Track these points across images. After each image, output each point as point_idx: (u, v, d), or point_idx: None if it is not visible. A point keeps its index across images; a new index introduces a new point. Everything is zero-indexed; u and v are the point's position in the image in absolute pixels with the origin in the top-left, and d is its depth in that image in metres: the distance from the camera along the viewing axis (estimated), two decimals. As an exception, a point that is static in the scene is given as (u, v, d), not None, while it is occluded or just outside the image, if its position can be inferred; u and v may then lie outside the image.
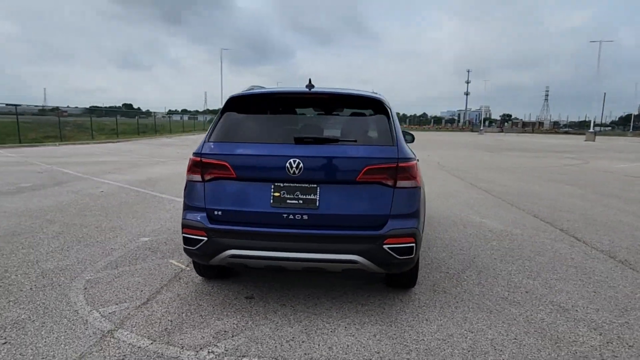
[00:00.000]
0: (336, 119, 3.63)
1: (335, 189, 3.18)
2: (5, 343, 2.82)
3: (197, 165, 3.29)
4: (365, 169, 3.14)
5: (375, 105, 3.48)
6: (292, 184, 3.18)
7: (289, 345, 2.88)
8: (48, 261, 4.33)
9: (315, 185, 3.17)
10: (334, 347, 2.87)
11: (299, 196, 3.18)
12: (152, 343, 2.86)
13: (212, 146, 3.32)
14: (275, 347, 2.85)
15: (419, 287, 3.85)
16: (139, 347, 2.80)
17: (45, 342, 2.85)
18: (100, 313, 3.26)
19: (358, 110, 3.58)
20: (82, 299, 3.49)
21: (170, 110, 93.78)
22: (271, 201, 3.18)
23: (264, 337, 2.98)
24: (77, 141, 24.47)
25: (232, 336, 2.98)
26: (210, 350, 2.78)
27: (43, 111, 43.64)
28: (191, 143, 24.89)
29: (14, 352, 2.72)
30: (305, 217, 3.14)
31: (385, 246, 3.08)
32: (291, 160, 3.14)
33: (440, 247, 4.96)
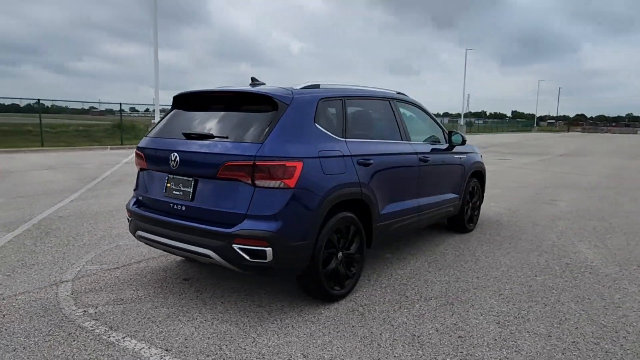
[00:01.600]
0: (229, 116, 3.52)
1: (207, 184, 3.32)
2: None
3: (136, 156, 3.90)
4: (223, 165, 3.16)
5: (265, 102, 3.37)
6: (176, 176, 3.48)
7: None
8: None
9: (191, 179, 3.38)
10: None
11: (180, 188, 3.45)
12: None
13: (143, 140, 3.87)
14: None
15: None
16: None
17: None
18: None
19: (250, 106, 3.47)
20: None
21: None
22: (164, 191, 3.55)
23: (188, 333, 3.14)
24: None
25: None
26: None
27: None
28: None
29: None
30: (183, 207, 3.40)
31: (234, 245, 3.07)
32: (172, 154, 3.43)
33: None
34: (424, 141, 4.96)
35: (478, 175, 6.04)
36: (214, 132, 3.39)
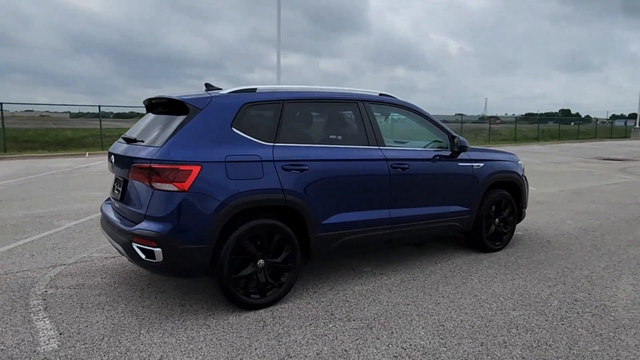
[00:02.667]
0: (156, 121, 3.69)
1: (129, 184, 3.56)
2: None
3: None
4: (132, 168, 3.39)
5: (180, 108, 3.49)
6: (115, 176, 3.92)
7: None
8: None
9: (121, 179, 3.73)
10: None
11: (116, 187, 3.86)
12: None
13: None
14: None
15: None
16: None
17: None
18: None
19: (171, 112, 3.60)
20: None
21: (614, 115, 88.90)
22: (112, 190, 4.01)
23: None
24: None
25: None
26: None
27: (482, 119, 50.86)
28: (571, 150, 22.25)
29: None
30: (117, 205, 3.79)
31: (133, 244, 3.27)
32: (111, 156, 3.82)
33: None
34: (414, 147, 4.50)
35: (508, 186, 5.20)
36: (136, 136, 3.62)
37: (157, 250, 3.16)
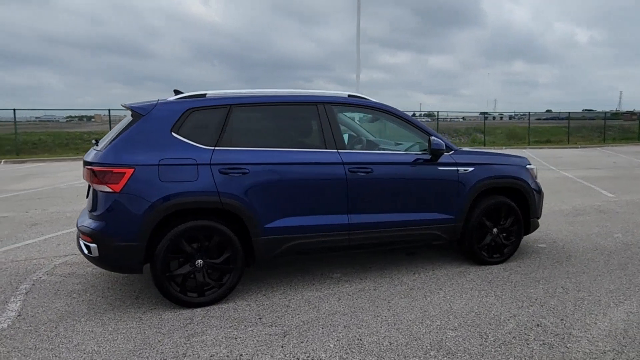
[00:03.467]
0: (120, 126, 3.87)
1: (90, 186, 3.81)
2: None
3: None
4: (85, 170, 3.68)
5: (131, 114, 3.76)
6: None
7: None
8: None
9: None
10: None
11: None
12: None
13: None
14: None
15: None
16: None
17: None
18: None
19: (128, 118, 3.83)
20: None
21: None
22: None
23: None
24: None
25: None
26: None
27: (616, 115, 46.07)
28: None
29: None
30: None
31: (79, 239, 3.64)
32: None
33: None
34: (386, 149, 4.27)
35: (511, 193, 4.67)
36: (100, 141, 3.94)
37: (93, 245, 3.44)
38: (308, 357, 2.88)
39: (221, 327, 3.30)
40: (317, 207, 3.91)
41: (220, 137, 3.72)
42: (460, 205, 4.38)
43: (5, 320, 3.45)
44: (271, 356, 2.89)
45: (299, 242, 3.88)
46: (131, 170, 3.43)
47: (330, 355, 2.89)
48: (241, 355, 2.91)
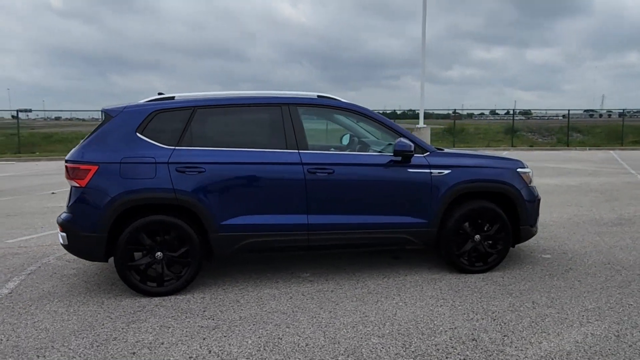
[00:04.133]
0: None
1: None
2: None
3: None
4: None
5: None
6: None
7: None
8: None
9: None
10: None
11: None
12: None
13: None
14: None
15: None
16: None
17: None
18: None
19: None
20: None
21: None
22: None
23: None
24: None
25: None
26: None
27: None
28: None
29: None
30: None
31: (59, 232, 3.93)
32: None
33: None
34: (351, 150, 4.21)
35: (497, 198, 4.36)
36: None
37: (63, 234, 3.83)
38: (221, 350, 2.98)
39: (163, 317, 3.51)
40: (275, 207, 3.98)
41: (181, 137, 3.93)
42: (434, 210, 4.20)
43: (-4, 296, 3.96)
44: (188, 347, 3.04)
45: (257, 240, 3.97)
46: (95, 167, 3.76)
47: (242, 352, 2.96)
48: (162, 343, 3.09)
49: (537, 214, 4.59)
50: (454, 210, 4.26)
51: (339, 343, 3.06)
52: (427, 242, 4.28)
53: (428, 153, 4.27)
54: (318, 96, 4.29)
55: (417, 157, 4.19)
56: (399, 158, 4.13)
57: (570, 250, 5.09)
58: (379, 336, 3.15)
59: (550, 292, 3.90)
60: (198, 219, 3.88)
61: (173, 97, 4.13)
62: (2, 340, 3.16)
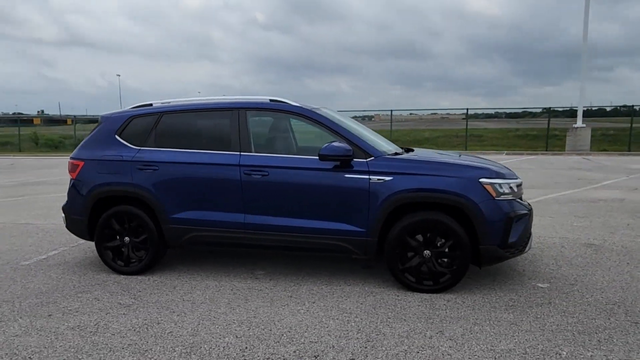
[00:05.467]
0: None
1: None
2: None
3: None
4: None
5: None
6: None
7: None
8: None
9: None
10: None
11: None
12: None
13: None
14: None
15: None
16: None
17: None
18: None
19: None
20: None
21: None
22: None
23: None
24: None
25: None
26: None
27: None
28: None
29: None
30: None
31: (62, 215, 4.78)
32: None
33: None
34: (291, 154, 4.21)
35: (452, 211, 3.83)
36: None
37: (63, 216, 4.74)
38: (105, 325, 3.40)
39: (106, 291, 4.09)
40: (215, 204, 4.26)
41: (146, 139, 4.49)
42: (373, 219, 3.93)
43: (25, 265, 5.12)
44: (89, 317, 3.55)
45: (201, 234, 4.31)
46: (82, 163, 4.58)
47: (118, 328, 3.34)
48: (77, 310, 3.67)
49: (512, 234, 3.87)
50: (397, 221, 3.92)
51: (197, 335, 3.22)
52: (367, 252, 4.02)
53: (372, 158, 4.01)
54: (270, 100, 4.40)
55: (358, 162, 3.98)
56: (332, 163, 3.99)
57: (586, 283, 4.13)
58: (237, 336, 3.20)
59: (482, 325, 3.32)
60: (153, 211, 4.39)
61: (151, 104, 4.73)
62: (17, 281, 4.15)
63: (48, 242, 5.81)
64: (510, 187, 3.95)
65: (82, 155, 4.65)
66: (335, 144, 3.93)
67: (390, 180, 3.90)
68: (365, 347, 3.03)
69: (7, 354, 3.02)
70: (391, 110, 24.89)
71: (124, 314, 3.62)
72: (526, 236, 4.07)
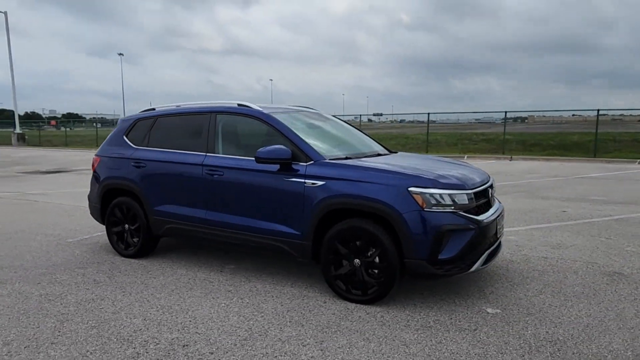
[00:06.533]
0: None
1: None
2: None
3: None
4: None
5: None
6: None
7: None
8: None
9: None
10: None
11: None
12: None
13: None
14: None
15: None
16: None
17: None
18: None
19: None
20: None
21: None
22: None
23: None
24: None
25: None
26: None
27: None
28: None
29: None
30: None
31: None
32: None
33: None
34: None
35: (380, 219, 3.65)
36: None
37: (87, 204, 5.62)
38: (65, 300, 4.04)
39: (96, 271, 4.78)
40: (185, 200, 4.67)
41: (143, 140, 5.10)
42: (307, 223, 3.93)
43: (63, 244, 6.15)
44: (60, 285, 4.24)
45: (175, 227, 4.76)
46: (99, 159, 5.40)
47: (70, 300, 3.95)
48: (61, 281, 4.40)
49: (446, 249, 3.51)
50: (329, 227, 3.87)
51: (117, 313, 3.64)
52: (304, 256, 4.03)
53: (312, 162, 4.00)
54: (238, 104, 4.64)
55: (298, 166, 4.02)
56: (276, 165, 4.09)
57: (547, 314, 3.55)
58: (145, 319, 3.54)
59: (364, 342, 3.14)
60: (142, 203, 4.98)
61: (154, 109, 5.34)
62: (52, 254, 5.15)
63: (101, 225, 6.89)
64: (453, 199, 3.60)
65: (99, 153, 5.48)
66: (273, 146, 4.03)
67: (322, 185, 3.87)
68: (235, 345, 3.12)
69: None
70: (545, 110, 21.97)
71: (87, 289, 4.23)
72: (475, 254, 3.66)
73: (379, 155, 4.68)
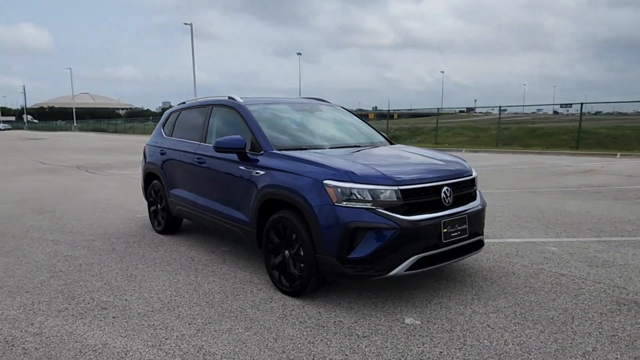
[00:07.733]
0: None
1: None
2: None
3: None
4: None
5: None
6: None
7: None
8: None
9: None
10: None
11: None
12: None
13: None
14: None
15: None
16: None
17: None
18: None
19: None
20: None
21: None
22: None
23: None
24: None
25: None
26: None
27: None
28: None
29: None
30: None
31: None
32: None
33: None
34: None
35: (297, 210, 3.55)
36: None
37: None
38: (75, 258, 4.90)
39: (121, 242, 5.61)
40: (186, 185, 5.17)
41: (170, 131, 5.76)
42: (252, 210, 4.05)
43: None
44: (87, 249, 5.12)
45: (181, 208, 5.31)
46: (146, 147, 6.26)
47: (72, 263, 4.77)
48: (91, 245, 5.32)
49: (358, 248, 3.28)
50: (268, 217, 3.92)
51: (81, 273, 4.30)
52: (251, 242, 4.15)
53: (262, 152, 4.08)
54: (228, 97, 4.92)
55: (254, 155, 4.15)
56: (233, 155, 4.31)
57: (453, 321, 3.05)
58: (106, 283, 4.11)
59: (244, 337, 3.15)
60: (163, 185, 5.65)
61: (184, 103, 5.95)
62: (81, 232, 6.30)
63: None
64: (374, 194, 3.33)
65: (147, 142, 6.34)
66: (230, 136, 4.22)
67: (263, 174, 3.94)
68: (144, 316, 3.45)
69: (19, 256, 4.87)
70: None
71: (100, 255, 5.03)
72: (396, 256, 3.33)
73: (363, 147, 4.53)
